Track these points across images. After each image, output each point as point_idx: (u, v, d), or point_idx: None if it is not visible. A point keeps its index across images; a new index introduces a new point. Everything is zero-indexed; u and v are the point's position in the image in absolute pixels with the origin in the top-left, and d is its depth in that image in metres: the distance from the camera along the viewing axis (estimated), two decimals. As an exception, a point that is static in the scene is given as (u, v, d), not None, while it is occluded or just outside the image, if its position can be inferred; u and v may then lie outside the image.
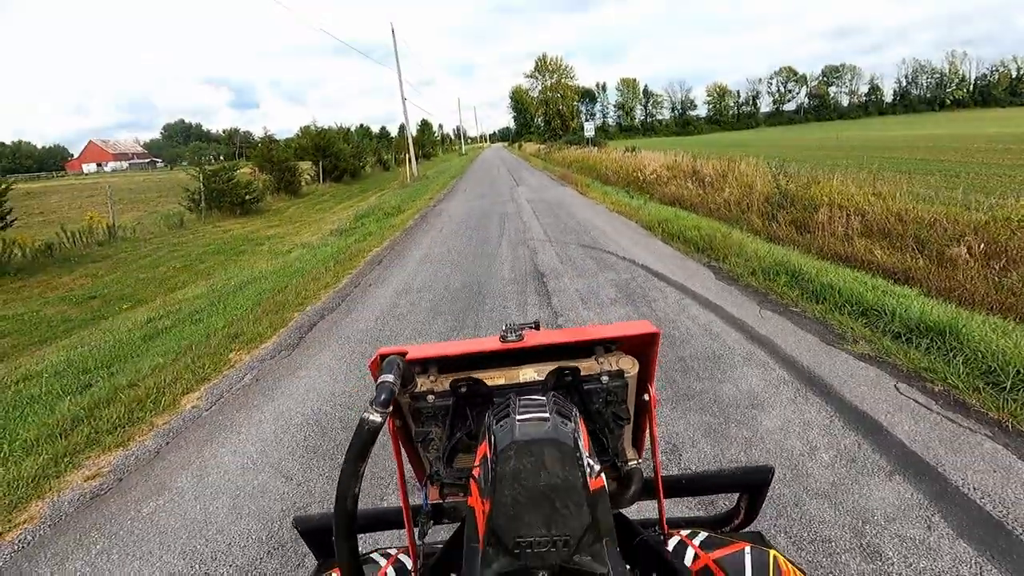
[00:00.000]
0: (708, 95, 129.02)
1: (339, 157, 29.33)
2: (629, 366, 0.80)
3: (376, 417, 0.60)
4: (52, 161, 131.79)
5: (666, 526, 0.89)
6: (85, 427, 3.44)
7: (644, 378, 0.83)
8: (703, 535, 0.87)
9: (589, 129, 27.69)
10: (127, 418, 3.55)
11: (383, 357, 0.72)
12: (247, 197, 17.87)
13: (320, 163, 27.99)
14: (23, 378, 4.79)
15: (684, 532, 0.89)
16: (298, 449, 3.00)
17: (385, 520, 0.98)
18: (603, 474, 0.65)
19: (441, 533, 0.91)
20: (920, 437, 2.61)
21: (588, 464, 0.60)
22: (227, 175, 17.39)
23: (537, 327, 0.86)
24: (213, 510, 2.53)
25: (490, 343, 0.78)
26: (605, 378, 0.79)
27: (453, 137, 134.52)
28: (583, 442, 0.63)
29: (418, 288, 6.13)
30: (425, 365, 0.81)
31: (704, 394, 3.19)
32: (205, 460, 2.98)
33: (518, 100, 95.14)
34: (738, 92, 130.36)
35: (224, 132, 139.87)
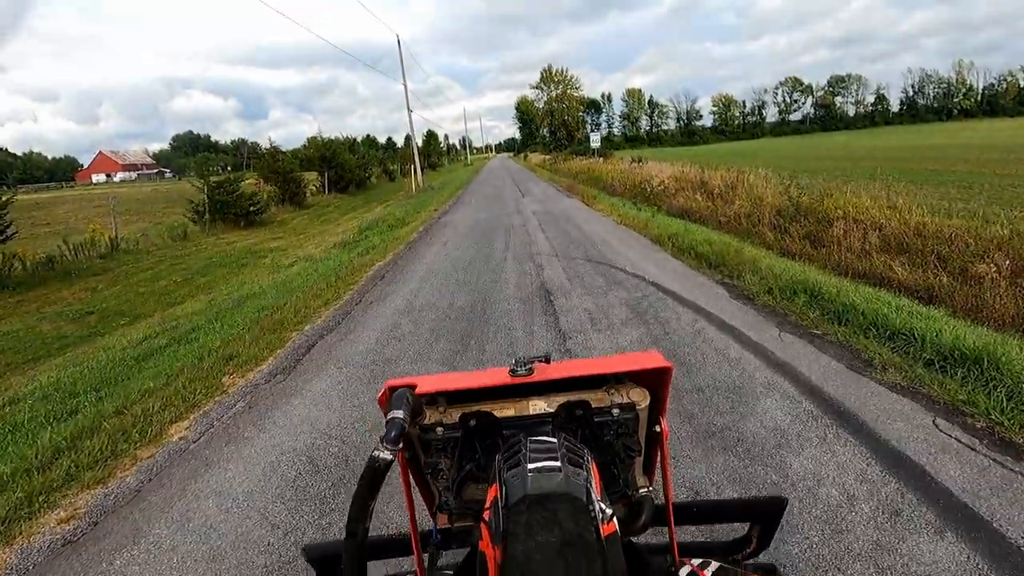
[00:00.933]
0: (713, 105, 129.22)
1: (344, 168, 29.33)
2: (640, 398, 0.79)
3: (386, 455, 0.60)
4: (62, 172, 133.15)
5: (678, 554, 0.87)
6: (65, 460, 3.24)
7: (656, 410, 0.81)
8: (715, 566, 0.85)
9: (595, 140, 27.56)
10: (110, 450, 3.35)
11: (392, 390, 0.72)
12: (251, 208, 17.80)
13: (325, 174, 27.99)
14: (9, 402, 4.61)
15: (696, 562, 0.87)
16: (288, 490, 2.78)
17: (394, 547, 0.96)
18: (615, 516, 0.64)
19: (451, 557, 0.88)
20: (969, 485, 2.37)
21: (600, 510, 0.60)
22: (231, 186, 17.32)
23: (547, 360, 0.83)
24: (190, 564, 2.31)
25: (500, 376, 0.77)
26: (616, 411, 0.78)
27: (459, 147, 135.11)
28: (595, 487, 0.63)
29: (420, 307, 5.93)
30: (434, 397, 0.79)
31: (726, 431, 2.95)
32: (187, 502, 2.76)
33: (523, 111, 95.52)
34: (743, 102, 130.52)
35: (232, 143, 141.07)
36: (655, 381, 0.81)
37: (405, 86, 26.56)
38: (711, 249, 7.10)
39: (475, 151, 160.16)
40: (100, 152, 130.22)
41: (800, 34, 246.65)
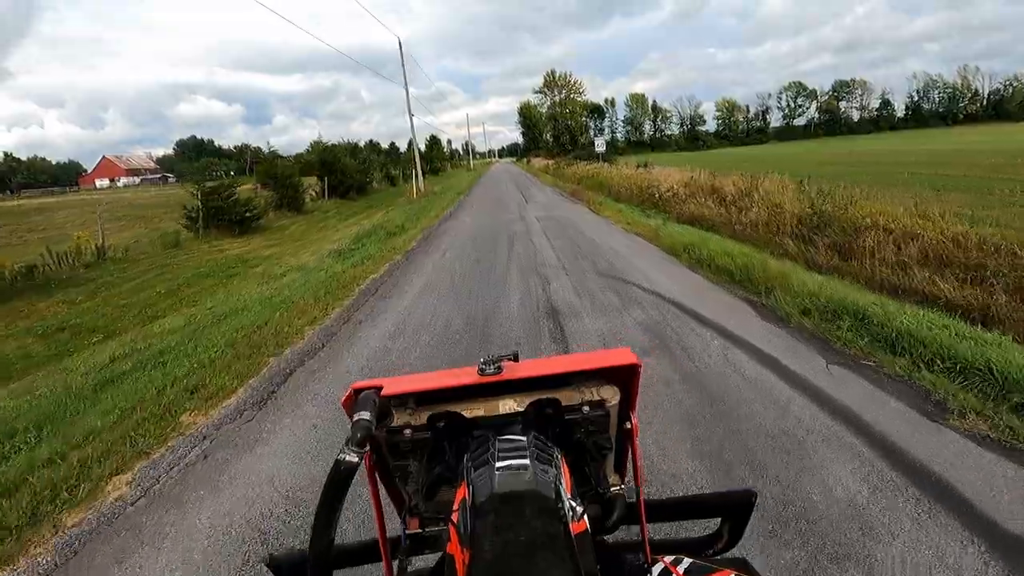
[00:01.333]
0: (717, 110, 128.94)
1: (345, 173, 28.84)
2: (610, 395, 0.79)
3: (352, 457, 0.59)
4: (66, 176, 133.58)
5: (649, 552, 0.86)
6: (-29, 530, 2.66)
7: (626, 406, 0.81)
8: (688, 562, 0.84)
9: (600, 144, 27.03)
10: (30, 514, 2.77)
11: (357, 392, 0.71)
12: (247, 215, 17.27)
13: (325, 179, 27.50)
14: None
15: (668, 558, 0.85)
16: (232, 582, 2.19)
17: (362, 553, 0.93)
18: (586, 514, 0.66)
19: (424, 561, 0.86)
20: None
21: (570, 508, 0.60)
22: (226, 192, 16.80)
23: (516, 358, 0.80)
24: None
25: (468, 376, 0.76)
26: (586, 408, 0.78)
27: (462, 152, 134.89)
28: (565, 485, 0.64)
29: (414, 328, 5.34)
30: (402, 398, 0.78)
31: (788, 505, 2.35)
32: (103, 599, 2.17)
33: (526, 116, 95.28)
34: (747, 107, 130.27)
35: (235, 148, 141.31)
36: (625, 377, 0.80)
37: (407, 89, 26.10)
38: (733, 262, 6.51)
39: (478, 156, 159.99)
40: (104, 157, 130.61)
41: (802, 39, 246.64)
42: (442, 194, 26.42)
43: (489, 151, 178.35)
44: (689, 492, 2.44)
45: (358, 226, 18.50)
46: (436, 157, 72.06)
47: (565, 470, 0.68)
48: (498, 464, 0.60)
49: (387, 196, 31.53)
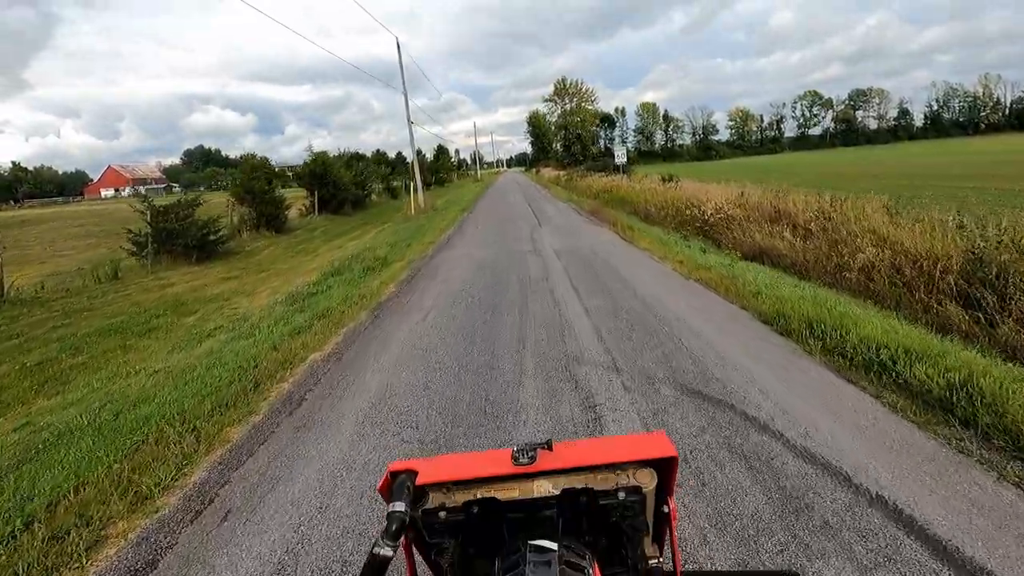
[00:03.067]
0: (730, 119, 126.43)
1: (338, 185, 26.24)
2: (647, 480, 0.78)
3: (387, 551, 0.61)
4: (73, 186, 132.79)
5: None
6: None
7: (663, 490, 0.79)
8: None
9: (620, 155, 24.22)
10: None
11: (393, 475, 0.74)
12: (208, 238, 14.59)
13: (316, 192, 24.89)
14: None
15: None
16: None
17: None
18: None
19: None
20: None
21: None
22: (182, 211, 14.12)
23: (550, 447, 0.79)
24: None
25: (503, 465, 0.75)
26: (622, 494, 0.77)
27: (470, 162, 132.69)
28: None
29: (338, 514, 2.51)
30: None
31: None
32: None
33: (535, 125, 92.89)
34: (761, 116, 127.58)
35: (240, 157, 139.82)
36: (663, 463, 0.79)
37: (405, 93, 23.50)
38: (927, 372, 3.60)
39: (486, 166, 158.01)
40: (109, 167, 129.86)
41: (812, 50, 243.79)
42: (443, 210, 23.70)
43: (497, 161, 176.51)
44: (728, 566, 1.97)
45: (343, 249, 15.79)
46: (442, 167, 69.64)
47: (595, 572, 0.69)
48: None
49: (386, 211, 28.89)
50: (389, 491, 0.70)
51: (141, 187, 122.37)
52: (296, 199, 28.02)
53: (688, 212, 13.43)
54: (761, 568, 1.69)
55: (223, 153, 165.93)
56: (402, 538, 0.70)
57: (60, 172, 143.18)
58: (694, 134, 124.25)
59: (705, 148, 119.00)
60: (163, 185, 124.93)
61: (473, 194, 35.99)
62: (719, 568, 2.07)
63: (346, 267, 10.62)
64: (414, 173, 24.50)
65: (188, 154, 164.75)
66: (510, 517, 0.75)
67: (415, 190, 25.07)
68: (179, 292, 11.00)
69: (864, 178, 28.69)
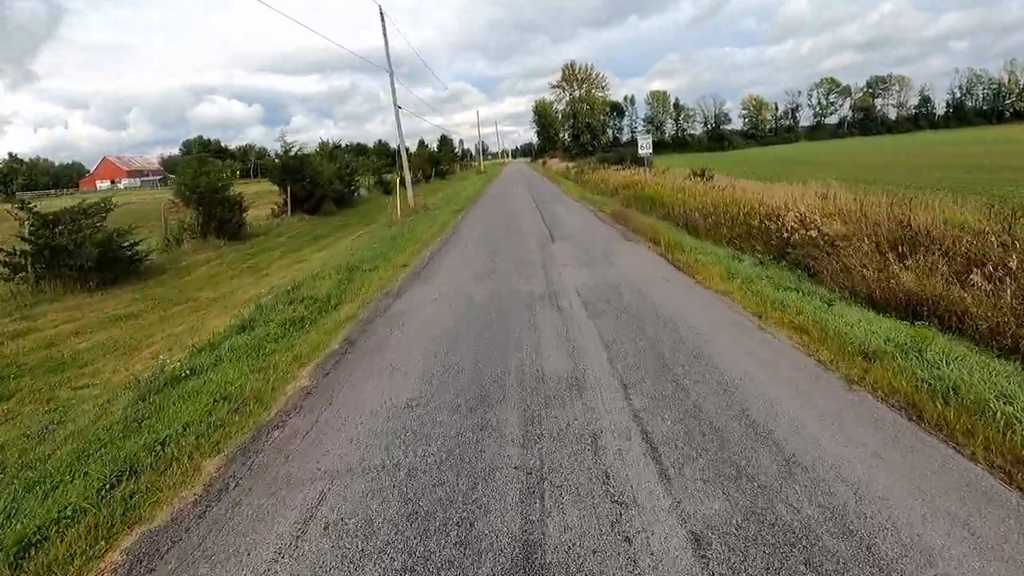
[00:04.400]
0: (744, 108, 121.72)
1: (316, 181, 22.71)
2: None
3: None
4: (69, 178, 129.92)
5: None
6: None
7: None
8: None
9: (645, 145, 20.43)
10: None
11: None
12: (123, 254, 11.14)
13: (288, 189, 21.38)
14: None
15: None
16: None
17: None
18: None
19: None
20: None
21: None
22: (78, 222, 10.66)
23: None
24: None
25: None
26: None
27: (474, 152, 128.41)
28: None
29: None
30: None
31: None
32: None
33: (541, 114, 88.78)
34: (775, 105, 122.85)
35: (238, 148, 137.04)
36: None
37: (390, 72, 19.84)
38: None
39: (491, 157, 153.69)
40: (104, 158, 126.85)
41: (824, 38, 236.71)
42: (436, 212, 20.14)
43: (503, 151, 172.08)
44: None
45: (301, 265, 12.32)
46: (444, 159, 65.93)
47: None
48: None
49: (373, 209, 25.34)
50: None
51: (137, 179, 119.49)
52: (266, 197, 24.54)
53: (755, 223, 9.84)
54: None
55: (222, 143, 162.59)
56: None
57: (56, 164, 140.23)
58: (706, 123, 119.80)
59: (718, 138, 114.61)
60: (159, 177, 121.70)
61: (474, 190, 32.33)
62: None
63: (267, 313, 7.13)
64: (403, 168, 20.93)
65: (187, 144, 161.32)
66: None
67: (406, 185, 21.49)
68: (35, 342, 7.56)
69: (919, 170, 24.86)
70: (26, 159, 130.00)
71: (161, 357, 6.26)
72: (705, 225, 11.59)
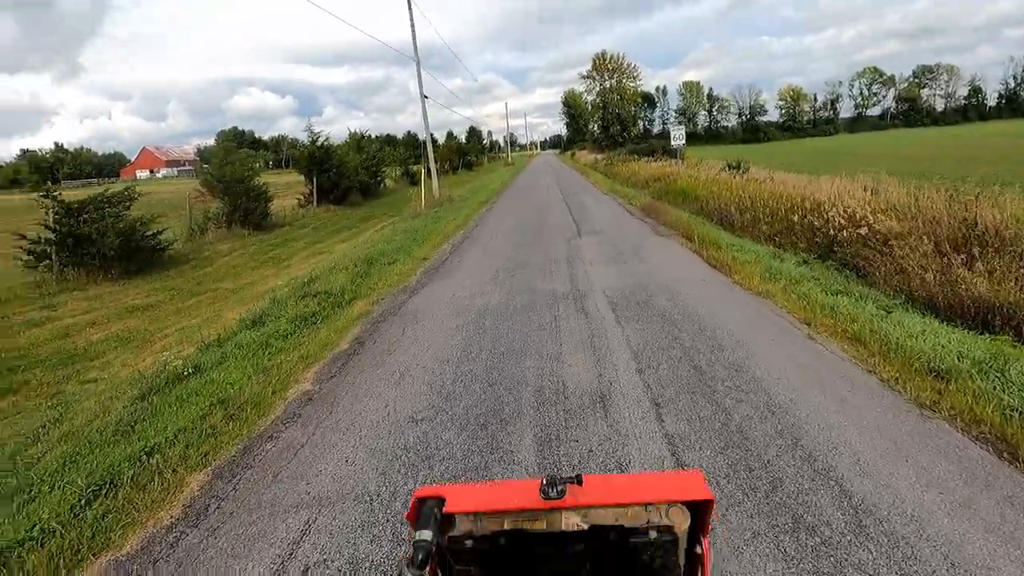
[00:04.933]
0: (780, 99, 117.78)
1: (342, 172, 22.62)
2: (680, 520, 0.75)
3: None
4: (111, 167, 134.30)
5: None
6: None
7: (697, 530, 0.77)
8: None
9: (678, 136, 19.61)
10: None
11: (420, 502, 0.72)
12: (146, 243, 11.10)
13: (314, 179, 21.32)
14: None
15: None
16: None
17: None
18: None
19: None
20: None
21: None
22: (102, 210, 10.62)
23: (579, 482, 0.75)
24: None
25: (530, 497, 0.74)
26: (653, 533, 0.75)
27: (502, 144, 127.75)
28: None
29: None
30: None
31: None
32: None
33: (570, 105, 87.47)
34: (814, 96, 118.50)
35: (271, 139, 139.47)
36: (698, 504, 0.76)
37: (417, 60, 19.51)
38: None
39: (519, 148, 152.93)
40: (144, 148, 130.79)
41: (867, 26, 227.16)
42: (461, 204, 19.79)
43: (531, 143, 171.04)
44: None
45: (322, 257, 12.12)
46: (471, 150, 65.61)
47: None
48: None
49: (398, 200, 25.12)
50: (416, 517, 0.69)
51: (175, 168, 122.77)
52: (295, 187, 24.59)
53: (797, 219, 9.16)
54: None
55: (256, 135, 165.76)
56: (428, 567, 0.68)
57: (100, 153, 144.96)
58: (740, 115, 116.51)
59: (752, 129, 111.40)
60: (194, 167, 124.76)
61: (500, 182, 31.88)
62: None
63: (280, 307, 6.86)
64: (429, 160, 20.63)
65: (221, 135, 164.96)
66: (538, 551, 0.72)
67: (431, 175, 21.19)
68: (35, 338, 7.46)
69: (970, 162, 23.34)
70: (71, 149, 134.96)
71: (165, 354, 6.05)
72: (741, 220, 10.94)
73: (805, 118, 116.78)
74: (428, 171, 20.90)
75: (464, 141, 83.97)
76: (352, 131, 29.25)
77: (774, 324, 4.93)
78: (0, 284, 9.99)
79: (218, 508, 2.87)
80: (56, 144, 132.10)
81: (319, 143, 21.99)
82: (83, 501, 3.03)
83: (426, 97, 20.21)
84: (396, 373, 4.39)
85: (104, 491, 3.12)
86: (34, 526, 2.83)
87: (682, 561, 0.79)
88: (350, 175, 23.37)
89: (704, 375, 3.90)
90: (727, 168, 18.81)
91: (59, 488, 3.23)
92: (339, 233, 16.49)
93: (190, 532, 2.71)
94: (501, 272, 7.80)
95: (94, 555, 2.62)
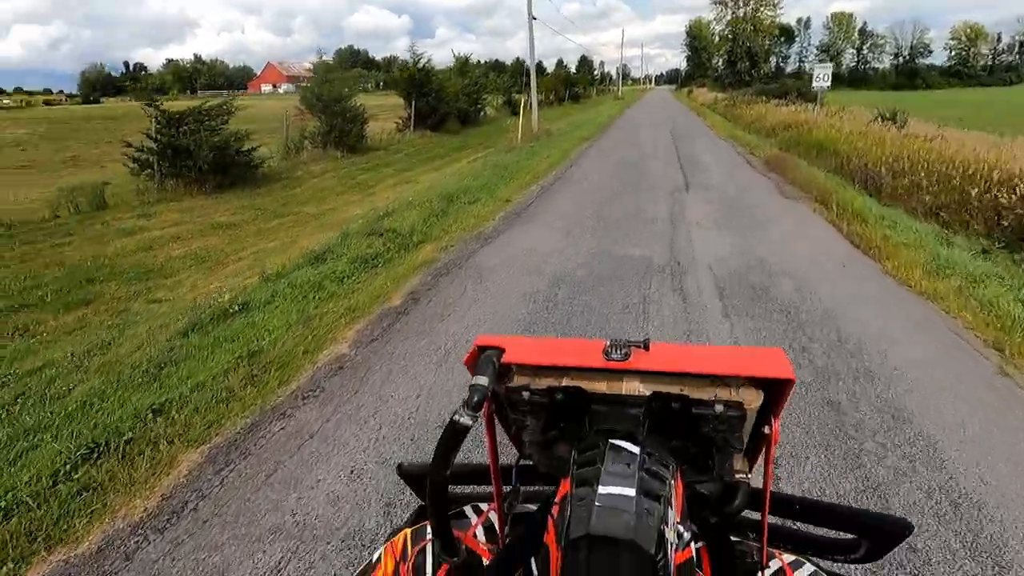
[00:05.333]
0: (952, 38, 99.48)
1: (441, 97, 21.85)
2: (751, 398, 0.69)
3: (466, 420, 0.61)
4: (240, 80, 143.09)
5: (766, 545, 0.78)
6: None
7: (768, 410, 0.71)
8: (809, 569, 0.77)
9: (823, 77, 16.43)
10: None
11: (480, 350, 0.71)
12: (232, 159, 11.15)
13: (413, 103, 20.78)
14: None
15: (787, 558, 0.79)
16: None
17: (478, 475, 0.95)
18: (692, 542, 0.64)
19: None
20: None
21: (676, 538, 0.58)
22: (197, 124, 10.69)
23: (646, 347, 0.71)
24: None
25: (593, 357, 0.71)
26: (720, 407, 0.69)
27: (614, 76, 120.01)
28: (674, 511, 0.59)
29: None
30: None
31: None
32: None
33: (695, 36, 79.50)
34: (998, 35, 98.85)
35: (383, 60, 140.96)
36: (773, 384, 0.69)
37: (526, -23, 17.77)
38: None
39: (632, 82, 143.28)
40: (269, 63, 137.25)
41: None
42: (560, 139, 18.42)
43: (645, 76, 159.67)
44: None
45: (408, 187, 11.66)
46: (580, 81, 62.00)
47: (678, 490, 0.62)
48: (601, 490, 0.55)
49: (496, 131, 24.03)
50: (475, 364, 0.68)
51: (294, 84, 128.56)
52: (396, 111, 24.25)
53: (974, 191, 7.17)
54: (870, 510, 1.33)
55: (370, 54, 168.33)
56: (483, 410, 0.67)
57: (231, 66, 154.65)
58: (897, 55, 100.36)
59: (908, 73, 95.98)
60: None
61: (606, 116, 29.64)
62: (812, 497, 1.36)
63: (347, 243, 6.39)
64: (529, 88, 19.24)
65: (338, 53, 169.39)
66: (594, 408, 0.70)
67: (531, 108, 19.88)
68: (121, 249, 7.60)
69: None
70: (208, 60, 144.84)
71: (230, 280, 5.80)
72: (894, 186, 8.94)
73: (980, 63, 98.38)
74: (529, 102, 19.56)
75: (573, 71, 79.57)
76: (457, 54, 28.15)
77: (947, 347, 3.62)
78: (113, 189, 10.49)
79: (194, 511, 2.37)
80: (195, 56, 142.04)
81: (420, 65, 21.19)
82: (69, 467, 2.66)
83: (534, 19, 18.56)
84: (441, 350, 3.69)
85: (94, 456, 2.74)
86: (8, 492, 2.49)
87: (746, 439, 0.72)
88: (449, 101, 22.56)
89: (845, 418, 2.81)
90: (879, 119, 15.79)
91: (61, 440, 2.91)
92: (430, 162, 15.95)
93: (153, 540, 2.22)
94: (588, 227, 6.78)
95: (48, 549, 2.21)
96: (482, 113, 28.11)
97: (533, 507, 0.82)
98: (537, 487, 0.87)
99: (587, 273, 5.08)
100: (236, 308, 4.71)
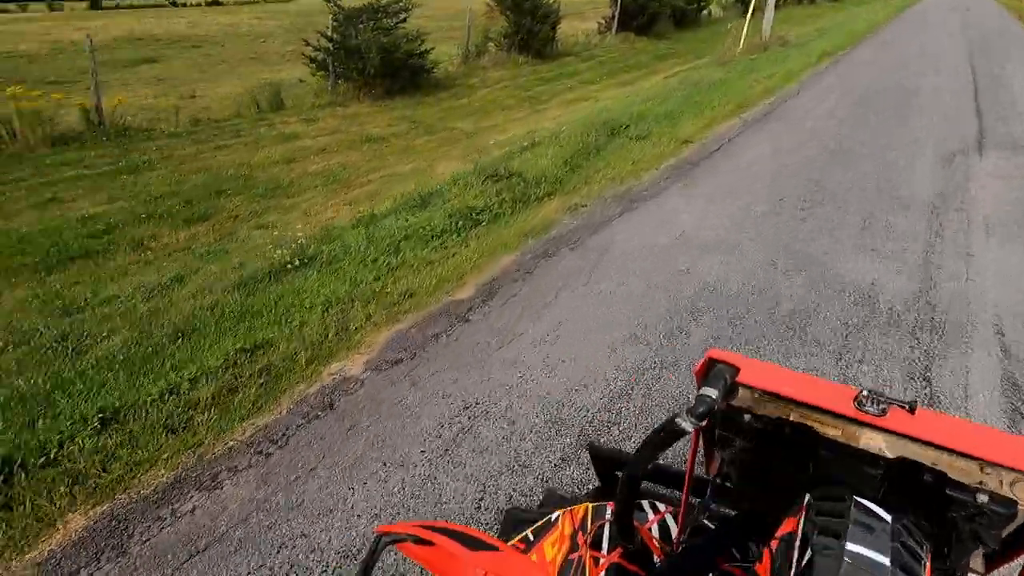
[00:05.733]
0: None
1: (654, -8, 18.59)
2: None
3: (686, 426, 0.59)
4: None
5: None
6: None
7: None
8: None
9: None
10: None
11: (712, 363, 0.69)
12: (402, 64, 10.50)
13: (618, 2, 18.03)
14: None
15: None
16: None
17: (667, 477, 0.98)
18: None
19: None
20: None
21: None
22: (380, 21, 10.12)
23: (912, 410, 0.64)
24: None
25: (840, 402, 0.65)
26: (983, 497, 0.60)
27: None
28: None
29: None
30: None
31: None
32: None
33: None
34: None
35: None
36: None
37: None
38: None
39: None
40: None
41: None
42: (793, 52, 14.41)
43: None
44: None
45: (586, 104, 10.04)
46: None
47: (927, 571, 0.55)
48: (849, 547, 0.50)
49: (714, 37, 19.93)
50: (705, 375, 0.67)
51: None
52: (602, 9, 21.47)
53: None
54: None
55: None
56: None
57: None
58: None
59: None
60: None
61: (872, 20, 22.75)
62: None
63: (463, 184, 5.28)
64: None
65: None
66: (822, 454, 0.65)
67: (761, 11, 15.81)
68: (266, 158, 7.45)
69: None
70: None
71: (344, 209, 5.17)
72: None
73: None
74: (755, 4, 15.47)
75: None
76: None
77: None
78: (297, 90, 10.70)
79: (136, 558, 1.63)
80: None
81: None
82: (63, 448, 2.18)
83: None
84: (517, 365, 2.45)
85: (95, 435, 2.21)
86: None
87: (999, 541, 0.63)
88: (663, -2, 19.11)
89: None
90: None
91: (77, 410, 2.43)
92: (622, 74, 13.67)
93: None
94: (787, 206, 4.61)
95: (24, 552, 1.69)
96: (705, 12, 23.69)
97: (710, 524, 0.79)
98: (717, 505, 0.83)
99: (758, 302, 3.22)
100: (297, 263, 4.02)
